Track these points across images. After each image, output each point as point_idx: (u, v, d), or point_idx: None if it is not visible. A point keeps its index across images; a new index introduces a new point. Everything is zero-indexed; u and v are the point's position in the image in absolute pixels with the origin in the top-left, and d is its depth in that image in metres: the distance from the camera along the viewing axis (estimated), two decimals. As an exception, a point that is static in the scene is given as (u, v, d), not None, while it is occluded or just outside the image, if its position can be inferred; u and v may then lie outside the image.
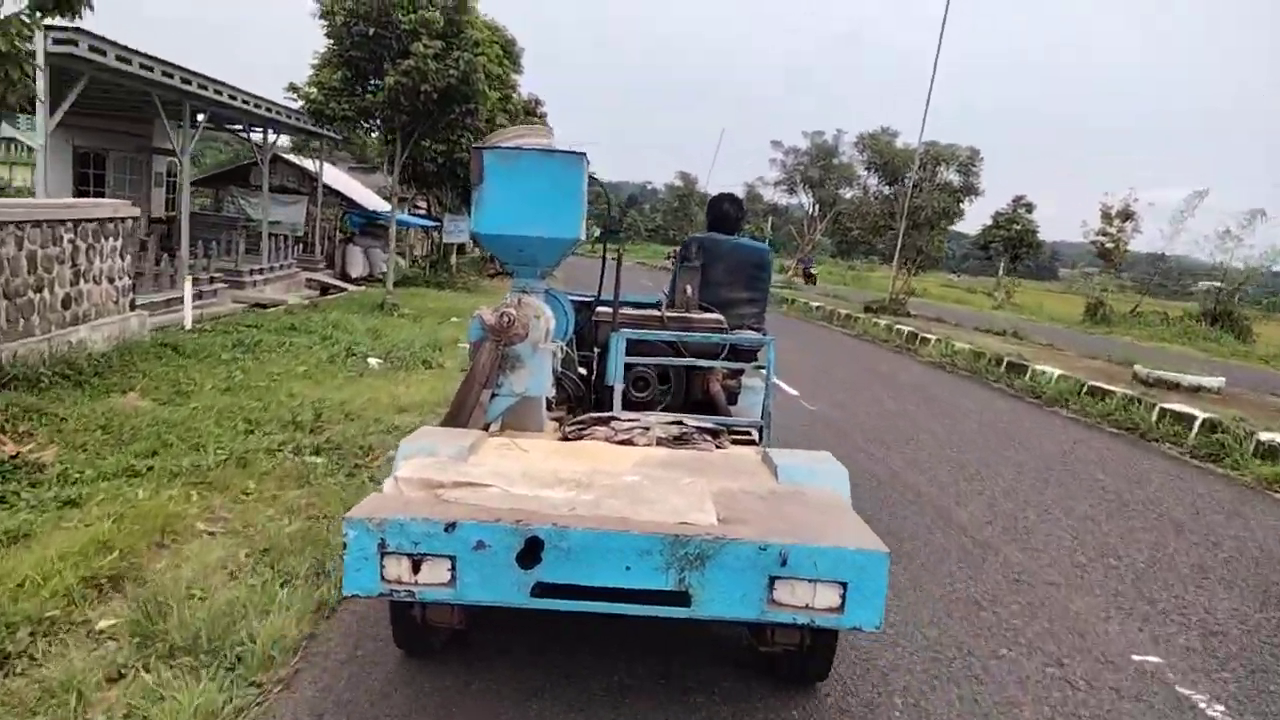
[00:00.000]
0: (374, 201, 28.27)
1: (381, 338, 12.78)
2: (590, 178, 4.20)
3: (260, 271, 19.51)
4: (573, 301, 4.84)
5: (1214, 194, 33.15)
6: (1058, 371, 12.47)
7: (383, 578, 2.66)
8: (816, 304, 25.98)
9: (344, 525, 2.65)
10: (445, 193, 25.41)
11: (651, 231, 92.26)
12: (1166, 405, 9.93)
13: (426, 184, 25.43)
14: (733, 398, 5.12)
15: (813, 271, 38.75)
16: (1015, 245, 42.03)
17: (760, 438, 4.62)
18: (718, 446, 4.03)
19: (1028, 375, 12.88)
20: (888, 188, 24.05)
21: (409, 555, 2.65)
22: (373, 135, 16.26)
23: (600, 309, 5.01)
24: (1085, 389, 11.52)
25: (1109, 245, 33.55)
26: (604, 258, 5.06)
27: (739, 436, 4.55)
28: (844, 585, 2.66)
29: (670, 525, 2.75)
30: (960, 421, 10.03)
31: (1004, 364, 13.80)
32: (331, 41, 14.79)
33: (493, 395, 4.07)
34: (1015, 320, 29.29)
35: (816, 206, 34.92)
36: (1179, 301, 38.50)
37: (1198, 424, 9.23)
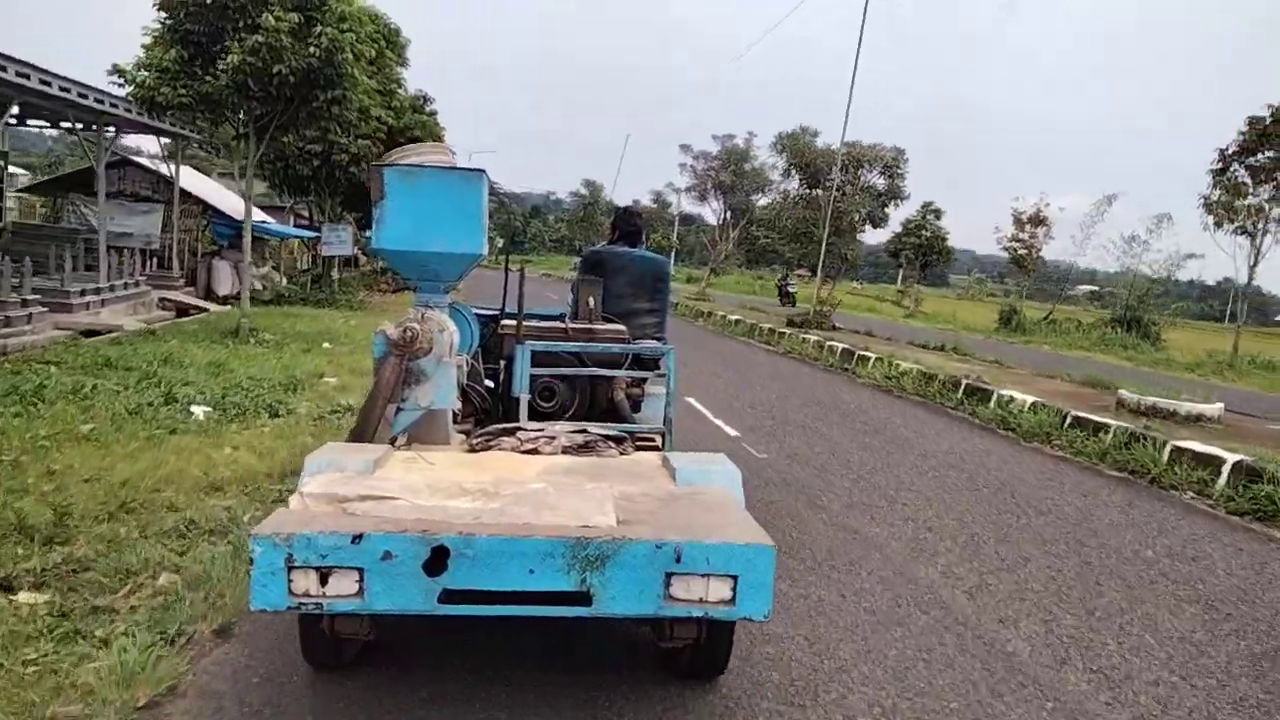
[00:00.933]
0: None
1: (224, 374, 10.29)
2: (491, 188, 4.26)
3: (96, 292, 16.57)
4: (478, 315, 4.97)
5: (1122, 202, 32.76)
6: (1029, 398, 10.85)
7: (290, 591, 2.65)
8: (735, 317, 24.27)
9: (251, 541, 2.63)
10: (325, 199, 22.69)
11: (556, 242, 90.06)
12: (1180, 444, 8.31)
13: (301, 189, 22.66)
14: (636, 405, 5.12)
15: (791, 290, 34.04)
16: (926, 252, 41.62)
17: (663, 443, 4.67)
18: (622, 453, 4.14)
19: (992, 402, 11.25)
20: (810, 191, 22.45)
21: (316, 568, 2.65)
22: (220, 128, 13.47)
23: (505, 322, 5.05)
24: (1069, 420, 9.90)
25: (1021, 251, 33.12)
26: (506, 271, 5.19)
27: (643, 442, 4.61)
28: (734, 578, 2.77)
29: (572, 528, 2.83)
30: (945, 473, 8.21)
31: (961, 388, 12.16)
32: (164, 14, 12.17)
33: (397, 410, 4.14)
34: (937, 331, 28.30)
35: (728, 214, 33.35)
36: (1064, 306, 38.69)
37: (1227, 469, 7.62)
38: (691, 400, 11.17)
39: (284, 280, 24.81)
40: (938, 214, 41.04)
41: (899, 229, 41.88)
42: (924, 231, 40.76)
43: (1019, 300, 35.99)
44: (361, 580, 2.68)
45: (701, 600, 2.79)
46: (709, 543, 2.79)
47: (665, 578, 2.76)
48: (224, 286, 23.22)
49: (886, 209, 23.00)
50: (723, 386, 12.78)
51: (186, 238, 23.13)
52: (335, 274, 23.69)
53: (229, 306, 20.87)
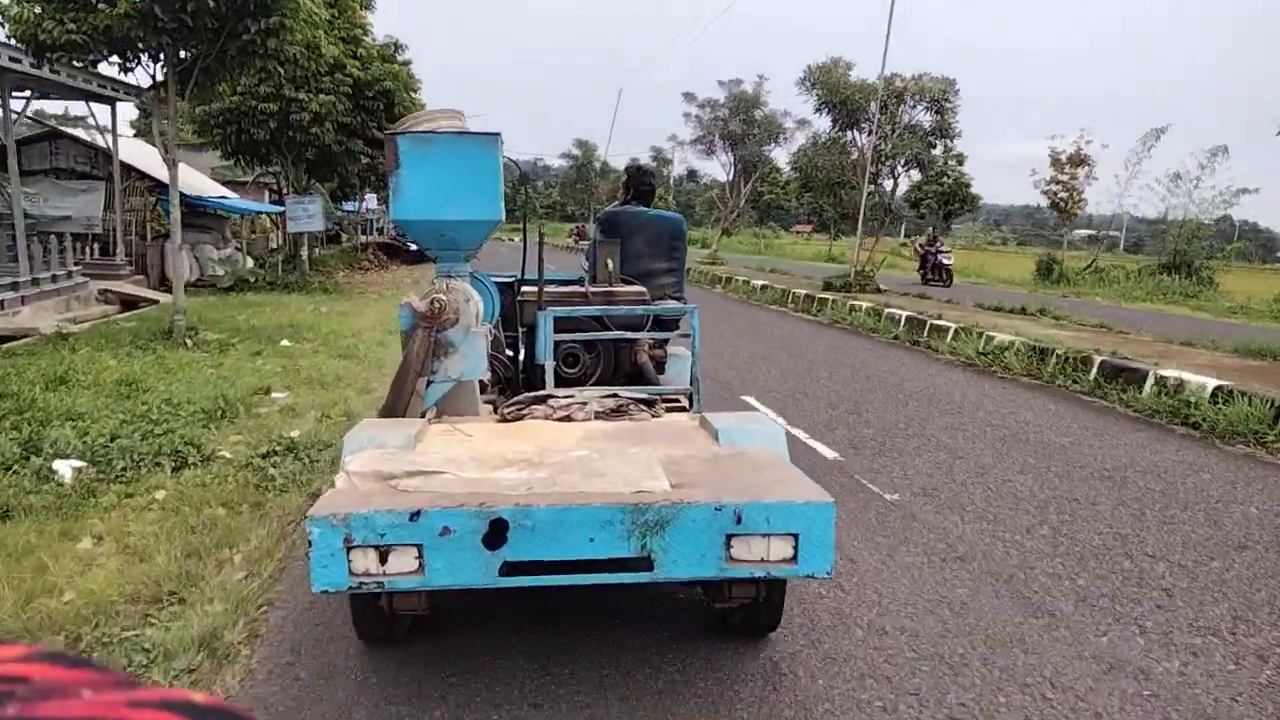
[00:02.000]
0: (204, 185, 22.39)
1: (134, 398, 7.65)
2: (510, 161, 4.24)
3: (14, 287, 13.88)
4: (496, 283, 4.79)
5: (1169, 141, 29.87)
6: (1207, 381, 8.18)
7: (351, 572, 2.64)
8: (760, 282, 21.52)
9: (308, 524, 2.62)
10: (288, 167, 19.85)
11: (548, 208, 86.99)
12: None
13: (259, 157, 19.80)
14: (660, 367, 5.08)
15: (946, 262, 25.44)
16: (948, 200, 38.68)
17: (690, 404, 4.66)
18: (653, 416, 4.07)
19: (1147, 386, 8.61)
20: (844, 134, 19.58)
21: (375, 547, 2.63)
22: (128, 73, 10.66)
23: (525, 288, 4.96)
24: (1286, 413, 7.25)
25: (1062, 195, 30.24)
26: (524, 237, 5.13)
27: (671, 404, 4.55)
28: (795, 537, 2.74)
29: (627, 495, 2.79)
30: (1178, 516, 5.60)
31: (1095, 367, 9.49)
32: (41, -73, 9.34)
33: (428, 383, 4.08)
34: (984, 288, 25.61)
35: (738, 167, 30.38)
36: (1073, 252, 36.09)
37: None
38: (752, 400, 8.53)
39: (249, 263, 22.01)
40: (960, 159, 38.03)
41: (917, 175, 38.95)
42: (945, 179, 37.78)
43: (1024, 249, 33.20)
44: (421, 557, 2.65)
45: (763, 560, 2.76)
46: (768, 502, 2.75)
47: (726, 539, 2.72)
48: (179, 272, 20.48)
49: (934, 149, 20.13)
50: (779, 376, 10.14)
51: (134, 219, 20.30)
52: (306, 252, 20.81)
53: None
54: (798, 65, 28.77)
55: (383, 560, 2.64)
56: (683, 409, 4.52)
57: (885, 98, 17.77)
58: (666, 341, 5.16)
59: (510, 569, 2.68)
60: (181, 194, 21.19)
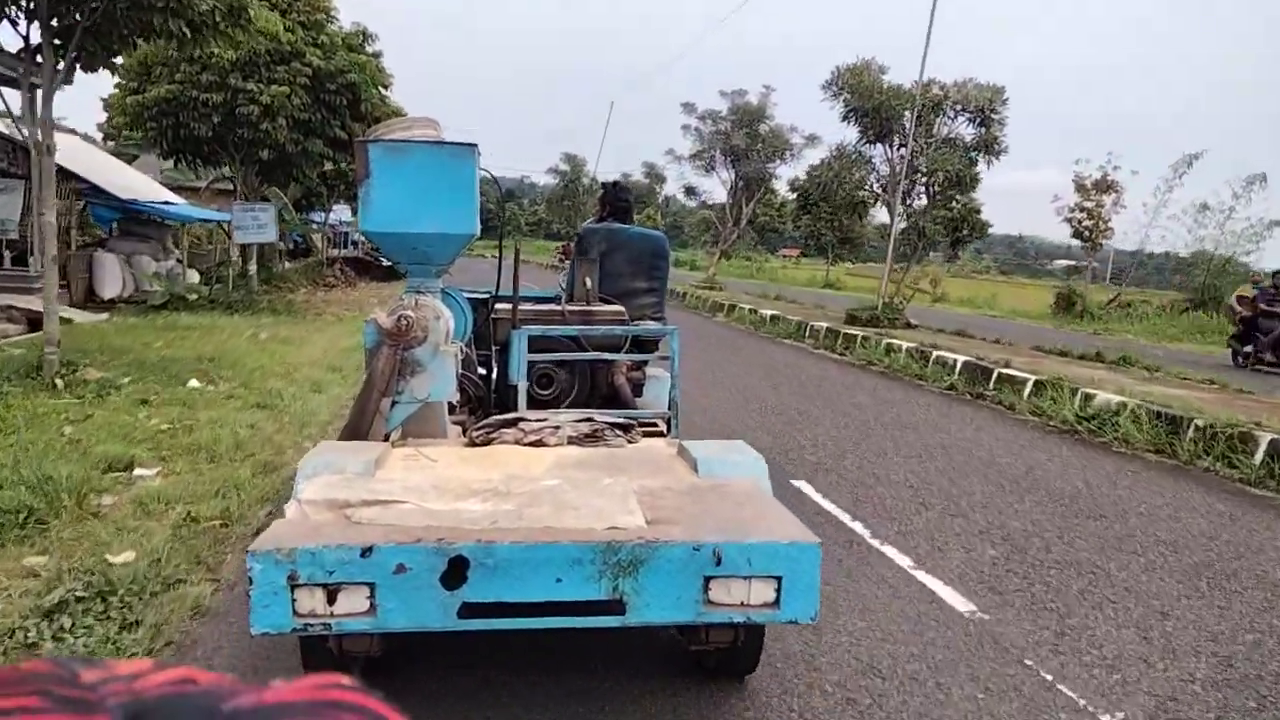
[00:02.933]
0: (144, 188, 19.80)
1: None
2: (485, 173, 4.06)
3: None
4: (469, 299, 4.70)
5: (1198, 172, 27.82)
6: None
7: (295, 612, 2.43)
8: (769, 311, 19.15)
9: (248, 559, 2.42)
10: (236, 169, 17.35)
11: (533, 225, 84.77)
12: None
13: (203, 156, 17.31)
14: (638, 389, 4.92)
15: None
16: (957, 227, 36.61)
17: (668, 428, 4.54)
18: (629, 441, 3.93)
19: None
20: (873, 145, 17.27)
21: (323, 585, 2.43)
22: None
23: (499, 306, 4.80)
24: None
25: (1087, 223, 28.23)
26: (500, 252, 4.88)
27: (647, 428, 4.40)
28: (778, 579, 2.59)
29: (599, 531, 2.63)
30: None
31: (1263, 447, 7.10)
32: None
33: (393, 403, 3.93)
34: (1010, 324, 23.49)
35: (739, 185, 28.11)
36: (1040, 280, 34.13)
37: None
38: (808, 490, 6.15)
39: (194, 277, 19.44)
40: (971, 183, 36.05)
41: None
42: (955, 203, 35.76)
43: (1011, 278, 31.13)
44: (373, 596, 2.46)
45: (743, 604, 2.60)
46: (750, 542, 2.60)
47: (704, 581, 2.56)
48: (110, 287, 17.83)
49: (976, 167, 17.89)
50: (830, 445, 7.75)
51: (59, 223, 17.71)
52: (255, 267, 18.25)
53: (108, 315, 15.59)
54: (806, 81, 26.75)
55: (331, 600, 2.43)
56: (660, 434, 4.42)
57: (923, 106, 15.51)
58: (645, 363, 5.01)
59: (470, 610, 2.51)
60: (116, 198, 18.69)
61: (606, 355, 4.66)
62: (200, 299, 17.16)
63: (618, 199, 5.38)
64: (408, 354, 3.87)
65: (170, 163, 20.15)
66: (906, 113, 15.72)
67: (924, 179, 15.78)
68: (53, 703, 0.35)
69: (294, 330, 14.39)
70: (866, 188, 17.22)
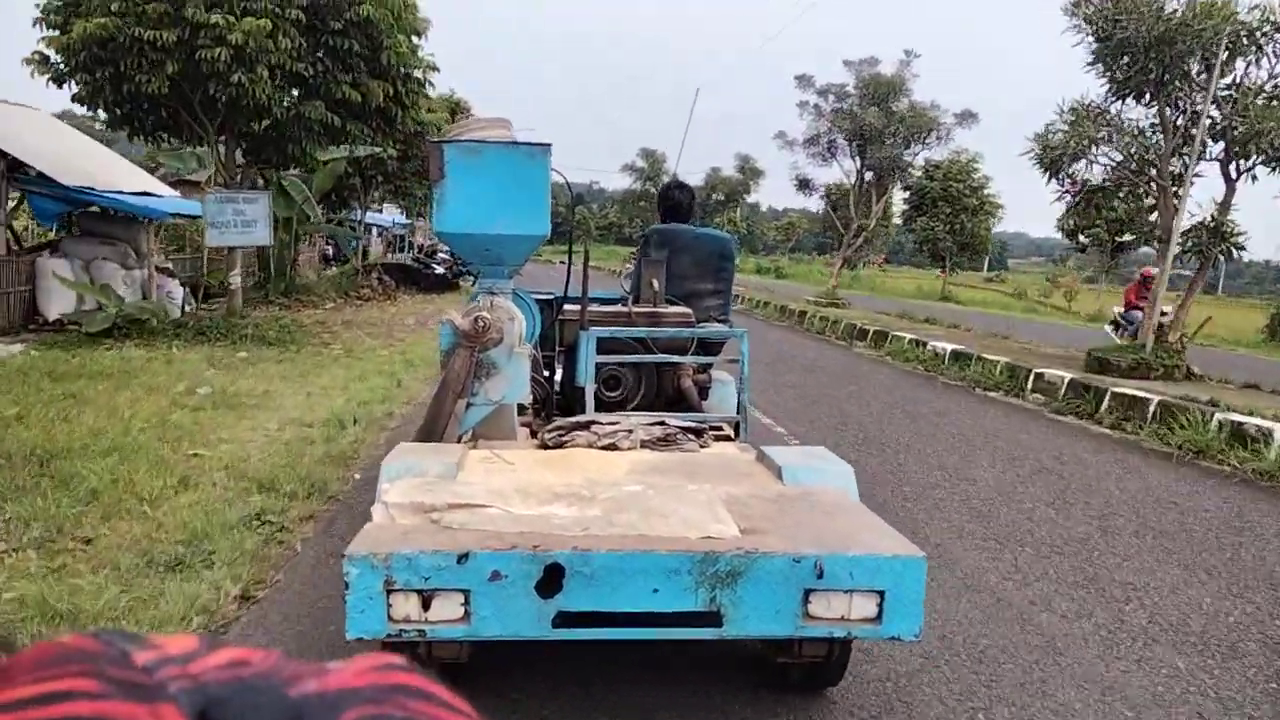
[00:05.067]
0: (114, 175, 15.21)
1: None
2: (556, 174, 4.05)
3: None
4: (536, 301, 4.70)
5: None
6: None
7: (390, 617, 2.41)
8: (948, 346, 13.61)
9: (344, 564, 2.38)
10: (212, 142, 12.59)
11: (603, 230, 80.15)
12: None
13: (162, 123, 12.61)
14: (704, 392, 4.87)
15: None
16: (1119, 229, 30.35)
17: (737, 433, 4.51)
18: (701, 445, 3.93)
19: None
20: (1130, 103, 11.51)
21: (418, 591, 2.40)
22: None
23: (566, 307, 4.82)
24: None
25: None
26: (569, 255, 4.91)
27: (716, 432, 4.40)
28: (881, 594, 2.50)
29: (695, 540, 2.56)
30: None
31: None
32: None
33: (467, 405, 3.92)
34: (1226, 355, 17.65)
35: (871, 176, 22.58)
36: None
37: None
38: None
39: (179, 292, 14.81)
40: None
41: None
42: (1119, 200, 29.62)
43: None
44: (467, 603, 2.41)
45: (843, 619, 2.52)
46: (853, 555, 2.50)
47: (804, 594, 2.48)
48: (57, 304, 13.31)
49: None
50: None
51: (-9, 221, 13.24)
52: (239, 278, 13.46)
53: (23, 348, 11.00)
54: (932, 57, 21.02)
55: (425, 606, 2.40)
56: (728, 438, 4.39)
57: (1242, 34, 9.91)
58: (710, 366, 4.97)
59: (565, 620, 2.44)
60: (61, 185, 14.18)
61: (674, 358, 4.60)
62: (160, 322, 12.48)
63: (667, 199, 5.29)
64: (483, 356, 3.86)
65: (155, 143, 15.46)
66: (1203, 52, 10.10)
67: (1237, 147, 10.15)
68: (110, 686, 0.32)
69: (263, 378, 9.53)
70: (1130, 161, 11.53)
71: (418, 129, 21.46)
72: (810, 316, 19.42)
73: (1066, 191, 12.29)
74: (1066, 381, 10.29)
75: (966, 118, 20.95)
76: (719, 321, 4.99)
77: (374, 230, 43.19)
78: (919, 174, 30.50)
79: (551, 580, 2.40)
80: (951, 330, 16.78)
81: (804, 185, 24.38)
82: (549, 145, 3.79)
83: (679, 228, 5.14)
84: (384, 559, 2.35)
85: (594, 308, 4.67)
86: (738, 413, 4.60)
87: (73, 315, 12.70)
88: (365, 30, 11.69)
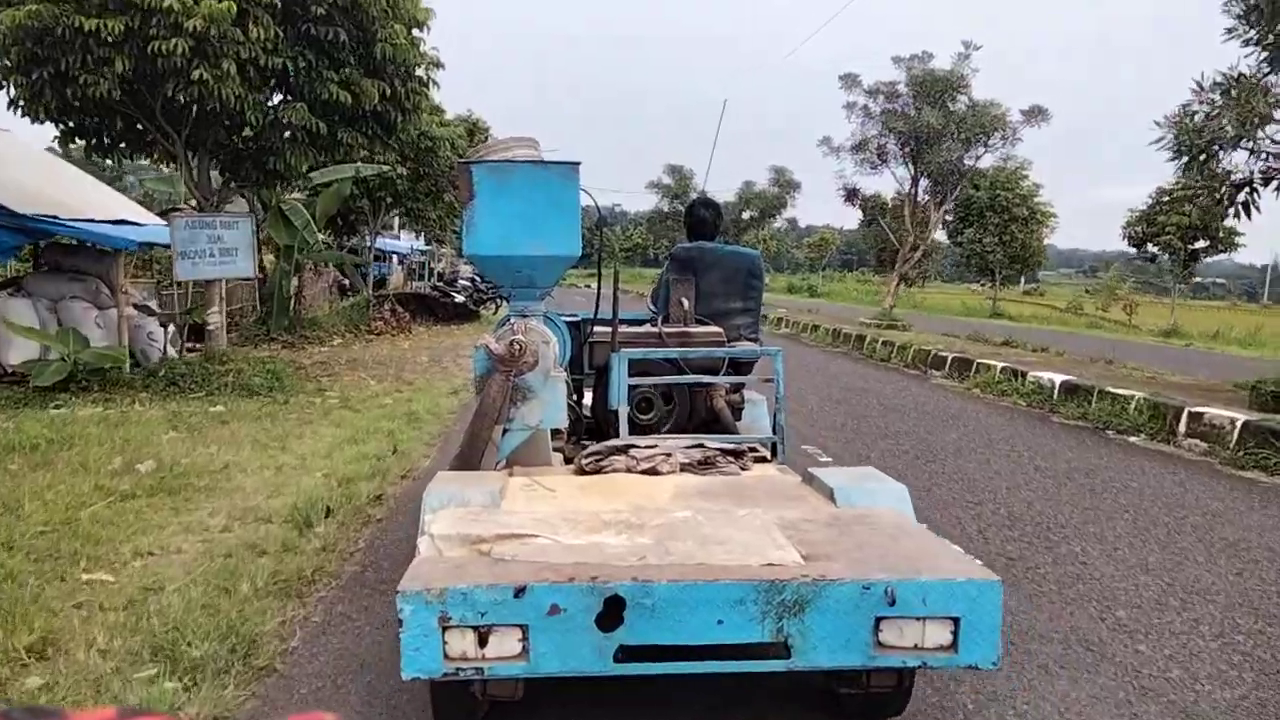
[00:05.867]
0: (85, 202, 13.42)
1: None
2: (585, 195, 3.96)
3: None
4: (566, 323, 4.60)
5: None
6: None
7: (446, 655, 2.28)
8: (1047, 376, 11.45)
9: (398, 600, 2.26)
10: (184, 159, 10.74)
11: (628, 251, 78.54)
12: None
13: (119, 134, 10.83)
14: (737, 413, 4.75)
15: None
16: (1192, 237, 28.03)
17: (774, 453, 4.40)
18: (742, 468, 3.84)
19: None
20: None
21: (474, 628, 2.28)
22: None
23: (598, 329, 4.67)
24: None
25: None
26: (599, 275, 4.69)
27: (754, 453, 4.20)
28: (955, 621, 2.37)
29: (757, 569, 2.42)
30: None
31: None
32: None
33: (504, 431, 3.88)
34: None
35: (924, 183, 20.48)
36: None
37: None
38: None
39: (161, 333, 12.96)
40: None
41: (1148, 200, 28.48)
42: (1190, 204, 27.28)
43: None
44: (525, 639, 2.29)
45: (916, 647, 2.38)
46: (926, 580, 2.36)
47: (875, 622, 2.35)
48: (18, 350, 11.55)
49: None
50: None
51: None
52: (220, 316, 11.56)
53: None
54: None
55: (482, 642, 2.28)
56: (764, 459, 4.19)
57: None
58: (742, 386, 4.82)
59: (627, 654, 2.32)
60: (14, 213, 12.34)
61: (706, 378, 4.52)
62: (129, 371, 10.62)
63: (702, 217, 5.17)
64: (519, 380, 3.79)
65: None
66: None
67: None
68: None
69: (231, 443, 7.60)
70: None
71: (428, 144, 19.80)
72: (870, 341, 17.29)
73: (1206, 186, 10.10)
74: (1239, 425, 8.11)
75: (1036, 115, 18.79)
76: (749, 340, 4.90)
77: (395, 258, 41.60)
78: (965, 183, 28.41)
79: (612, 613, 2.28)
80: (1041, 355, 14.58)
81: (851, 196, 22.29)
82: (578, 163, 3.72)
83: (705, 245, 5.03)
84: (438, 594, 2.22)
85: (623, 329, 4.57)
86: (774, 433, 4.52)
87: (25, 365, 10.89)
88: (353, 17, 9.82)
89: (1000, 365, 12.47)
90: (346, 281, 26.57)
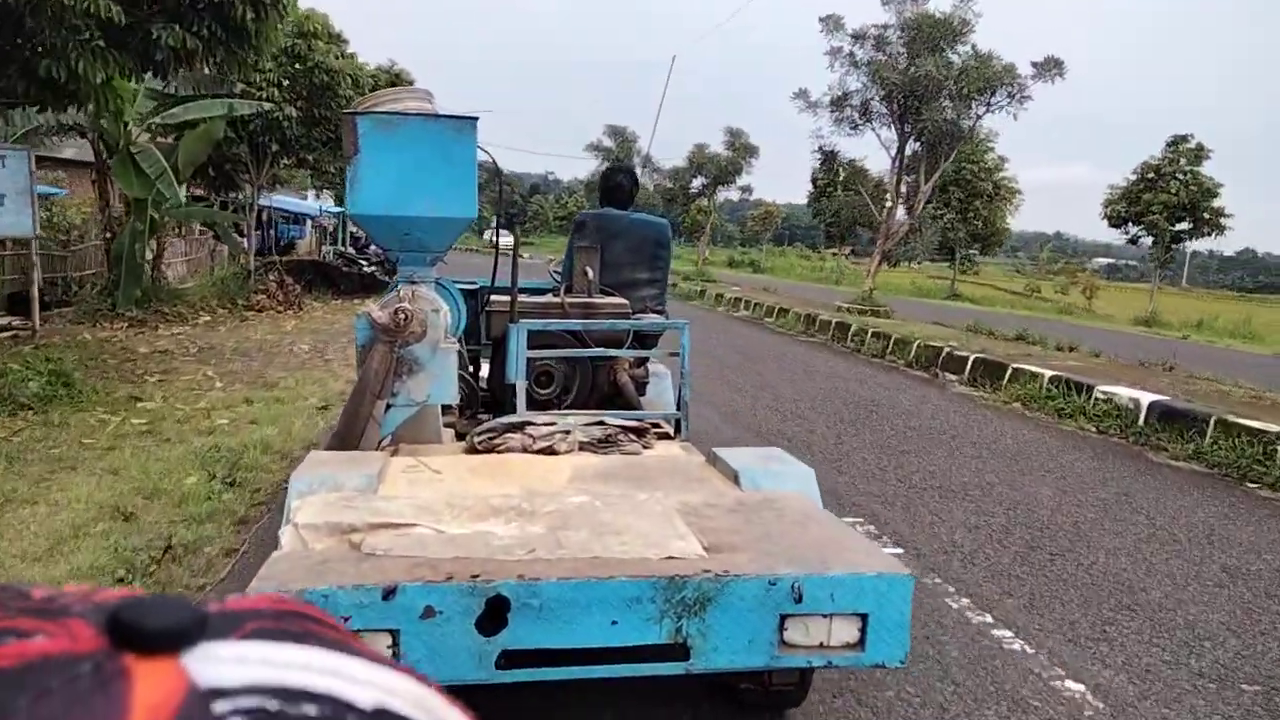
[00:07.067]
0: None
1: None
2: (482, 151, 3.61)
3: None
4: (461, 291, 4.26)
5: None
6: None
7: None
8: (1106, 390, 8.85)
9: None
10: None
11: (562, 219, 75.01)
12: None
13: None
14: (641, 388, 4.58)
15: None
16: (1177, 215, 26.03)
17: (677, 430, 4.20)
18: (644, 446, 3.66)
19: None
20: None
21: None
22: None
23: (495, 298, 4.34)
24: None
25: None
26: (496, 241, 4.61)
27: (656, 430, 4.08)
28: (864, 617, 2.24)
29: (656, 563, 2.24)
30: None
31: None
32: None
33: (387, 407, 3.52)
34: None
35: (911, 146, 17.68)
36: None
37: None
38: None
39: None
40: (1199, 154, 25.49)
41: (1131, 176, 26.39)
42: (1175, 181, 25.23)
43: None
44: (395, 645, 2.07)
45: (822, 646, 2.25)
46: (834, 575, 2.22)
47: (779, 620, 2.20)
48: None
49: None
50: None
51: None
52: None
53: None
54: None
55: None
56: (667, 436, 4.09)
57: None
58: (646, 360, 4.67)
59: (511, 659, 2.13)
60: None
61: (610, 351, 4.31)
62: None
63: (617, 183, 4.94)
64: (404, 352, 3.52)
65: None
66: None
67: None
68: (14, 610, 0.32)
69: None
70: None
71: (324, 79, 16.29)
72: (856, 332, 14.50)
73: None
74: None
75: (1050, 68, 16.11)
76: (655, 312, 4.70)
77: (309, 221, 37.50)
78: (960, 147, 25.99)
79: (494, 616, 2.09)
80: (1077, 356, 11.96)
81: (827, 160, 19.40)
82: (476, 119, 3.48)
83: (613, 213, 4.80)
84: (294, 597, 1.44)
85: (524, 298, 4.34)
86: (678, 408, 4.33)
87: None
88: None
89: (1048, 374, 9.75)
90: (254, 245, 22.71)
